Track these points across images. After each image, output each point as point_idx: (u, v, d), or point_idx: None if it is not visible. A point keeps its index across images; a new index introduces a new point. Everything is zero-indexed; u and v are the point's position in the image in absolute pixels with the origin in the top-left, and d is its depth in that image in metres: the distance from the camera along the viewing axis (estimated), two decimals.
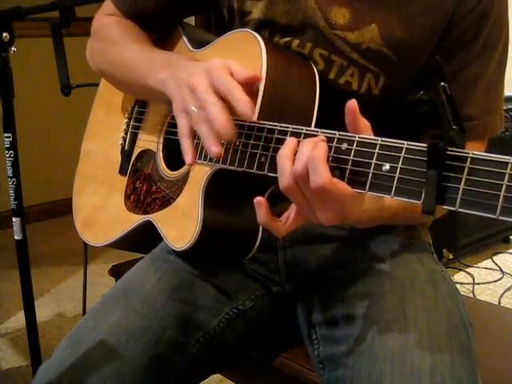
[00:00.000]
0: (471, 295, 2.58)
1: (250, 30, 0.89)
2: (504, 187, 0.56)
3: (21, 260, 1.55)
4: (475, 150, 0.91)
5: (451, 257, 2.76)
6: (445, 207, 0.60)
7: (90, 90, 1.30)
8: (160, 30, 1.09)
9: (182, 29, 1.07)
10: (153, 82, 0.91)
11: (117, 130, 1.14)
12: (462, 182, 0.59)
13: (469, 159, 0.59)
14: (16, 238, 1.53)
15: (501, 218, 0.56)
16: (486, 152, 0.94)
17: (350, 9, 0.89)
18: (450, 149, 0.60)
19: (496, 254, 2.98)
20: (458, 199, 0.59)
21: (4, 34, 1.40)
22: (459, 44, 0.89)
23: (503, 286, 2.68)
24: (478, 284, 2.68)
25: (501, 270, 2.82)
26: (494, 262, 2.91)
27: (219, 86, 0.79)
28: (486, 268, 2.85)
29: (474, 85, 0.91)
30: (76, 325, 0.93)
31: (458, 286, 0.99)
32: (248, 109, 0.76)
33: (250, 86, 0.81)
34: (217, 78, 0.79)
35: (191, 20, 1.15)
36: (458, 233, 2.74)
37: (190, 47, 1.02)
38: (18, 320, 2.28)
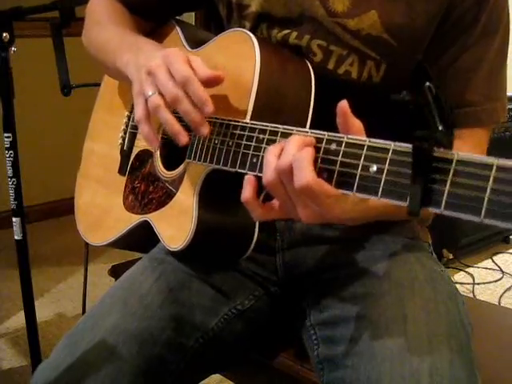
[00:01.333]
0: (471, 295, 2.58)
1: (244, 30, 0.89)
2: (488, 190, 0.55)
3: (21, 260, 1.55)
4: (478, 137, 0.93)
5: (451, 257, 2.75)
6: (430, 209, 0.60)
7: (90, 90, 1.31)
8: (151, 19, 1.10)
9: (179, 27, 1.08)
10: (119, 62, 0.93)
11: (117, 129, 1.14)
12: (448, 184, 0.58)
13: (454, 161, 0.58)
14: (16, 238, 1.53)
15: (485, 221, 0.56)
16: (488, 146, 0.95)
17: None
18: (436, 150, 0.60)
19: (496, 253, 2.98)
20: (443, 202, 0.59)
21: (4, 34, 1.40)
22: (458, 28, 0.89)
23: (503, 285, 2.68)
24: (478, 284, 2.68)
25: (501, 270, 2.82)
26: (494, 262, 2.91)
27: (175, 73, 0.81)
28: (486, 268, 2.85)
29: (475, 70, 0.91)
30: (74, 325, 0.94)
31: (458, 285, 0.99)
32: (202, 103, 0.79)
33: (210, 85, 0.83)
34: (173, 64, 0.81)
35: (191, 20, 1.15)
36: (458, 233, 2.73)
37: (187, 47, 1.02)
38: (18, 320, 2.28)
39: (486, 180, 0.56)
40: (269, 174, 0.71)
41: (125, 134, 1.13)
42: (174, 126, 0.82)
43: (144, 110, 0.84)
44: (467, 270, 2.80)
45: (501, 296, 2.58)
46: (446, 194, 0.58)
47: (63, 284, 2.67)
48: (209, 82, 0.83)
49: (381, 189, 0.64)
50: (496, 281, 2.73)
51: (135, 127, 1.11)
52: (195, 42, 1.02)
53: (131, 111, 1.13)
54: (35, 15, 1.45)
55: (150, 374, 0.88)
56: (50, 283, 2.65)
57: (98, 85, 1.27)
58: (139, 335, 0.88)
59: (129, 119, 1.13)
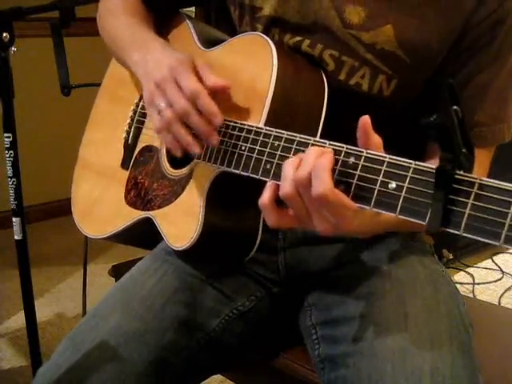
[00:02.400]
0: (471, 295, 2.58)
1: (262, 34, 0.89)
2: (510, 216, 0.56)
3: (21, 260, 1.55)
4: (481, 158, 0.92)
5: (451, 257, 2.75)
6: (449, 230, 0.60)
7: (90, 89, 1.30)
8: (159, 9, 1.11)
9: (191, 24, 1.07)
10: (128, 60, 0.97)
11: (121, 122, 1.13)
12: (468, 207, 0.59)
13: (476, 185, 0.59)
14: (16, 238, 1.53)
15: (504, 246, 0.56)
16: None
17: (365, 8, 0.88)
18: (459, 173, 0.60)
19: (496, 253, 2.97)
20: (463, 224, 0.59)
21: (4, 34, 1.40)
22: (473, 49, 0.88)
23: (503, 286, 2.68)
24: (478, 284, 2.68)
25: (501, 270, 2.82)
26: (493, 262, 2.90)
27: (184, 87, 0.84)
28: (486, 268, 2.84)
29: (485, 92, 0.90)
30: (76, 326, 0.94)
31: (458, 285, 0.99)
32: (211, 115, 0.83)
33: (218, 92, 0.85)
34: (181, 77, 0.85)
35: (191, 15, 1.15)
36: None
37: (200, 46, 1.01)
38: (18, 320, 2.28)
39: (507, 206, 0.56)
40: (287, 186, 0.71)
41: (130, 127, 1.12)
42: (187, 138, 0.86)
43: (161, 122, 0.87)
44: (467, 269, 2.80)
45: (501, 296, 2.58)
46: (466, 217, 0.59)
47: (63, 284, 2.67)
48: (216, 91, 0.85)
49: (399, 206, 0.64)
50: (496, 281, 2.72)
51: (141, 122, 1.10)
52: (208, 41, 1.01)
53: (137, 105, 1.12)
54: (35, 15, 1.45)
55: (152, 374, 0.88)
56: (50, 283, 2.65)
57: (98, 85, 1.26)
58: (141, 336, 0.89)
59: (134, 113, 1.12)
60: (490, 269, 2.83)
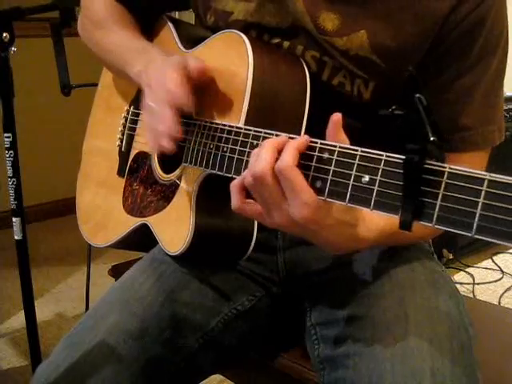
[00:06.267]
0: (471, 295, 2.58)
1: (236, 31, 0.88)
2: (480, 205, 0.54)
3: (21, 260, 1.55)
4: (476, 161, 0.91)
5: (451, 257, 2.75)
6: (422, 223, 0.59)
7: (90, 90, 1.31)
8: (144, 17, 1.11)
9: (172, 26, 1.07)
10: (130, 72, 0.96)
11: (114, 130, 1.14)
12: (439, 198, 0.57)
13: (446, 174, 0.57)
14: (16, 238, 1.53)
15: (476, 236, 0.54)
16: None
17: (339, 14, 0.87)
18: (428, 162, 0.59)
19: (496, 253, 2.97)
20: (435, 215, 0.57)
21: (4, 34, 1.40)
22: (454, 52, 0.87)
23: (503, 286, 2.68)
24: (478, 284, 2.68)
25: (501, 270, 2.82)
26: (494, 262, 2.90)
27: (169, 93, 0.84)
28: (486, 268, 2.85)
29: (471, 94, 0.88)
30: (75, 325, 0.94)
31: (458, 285, 0.99)
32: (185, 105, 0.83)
33: (201, 77, 0.86)
34: (166, 80, 0.85)
35: (191, 17, 1.15)
36: None
37: (181, 47, 1.03)
38: (18, 320, 2.28)
39: (477, 194, 0.55)
40: (256, 165, 0.71)
41: (122, 135, 1.12)
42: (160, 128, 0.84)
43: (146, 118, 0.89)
44: (467, 270, 2.80)
45: (501, 296, 2.58)
46: (437, 208, 0.57)
47: (63, 284, 2.67)
48: (200, 75, 0.86)
49: (373, 200, 0.63)
50: (496, 281, 2.73)
51: (132, 129, 1.11)
52: (189, 42, 1.01)
53: (128, 112, 1.13)
54: (35, 15, 1.45)
55: (151, 374, 0.88)
56: (50, 283, 2.65)
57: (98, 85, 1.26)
58: (140, 335, 0.89)
59: (126, 120, 1.13)
60: (490, 269, 2.84)
